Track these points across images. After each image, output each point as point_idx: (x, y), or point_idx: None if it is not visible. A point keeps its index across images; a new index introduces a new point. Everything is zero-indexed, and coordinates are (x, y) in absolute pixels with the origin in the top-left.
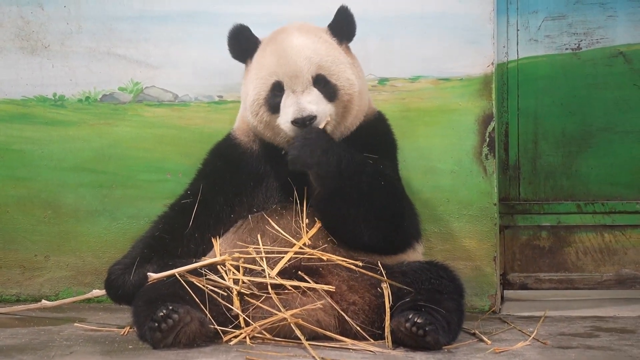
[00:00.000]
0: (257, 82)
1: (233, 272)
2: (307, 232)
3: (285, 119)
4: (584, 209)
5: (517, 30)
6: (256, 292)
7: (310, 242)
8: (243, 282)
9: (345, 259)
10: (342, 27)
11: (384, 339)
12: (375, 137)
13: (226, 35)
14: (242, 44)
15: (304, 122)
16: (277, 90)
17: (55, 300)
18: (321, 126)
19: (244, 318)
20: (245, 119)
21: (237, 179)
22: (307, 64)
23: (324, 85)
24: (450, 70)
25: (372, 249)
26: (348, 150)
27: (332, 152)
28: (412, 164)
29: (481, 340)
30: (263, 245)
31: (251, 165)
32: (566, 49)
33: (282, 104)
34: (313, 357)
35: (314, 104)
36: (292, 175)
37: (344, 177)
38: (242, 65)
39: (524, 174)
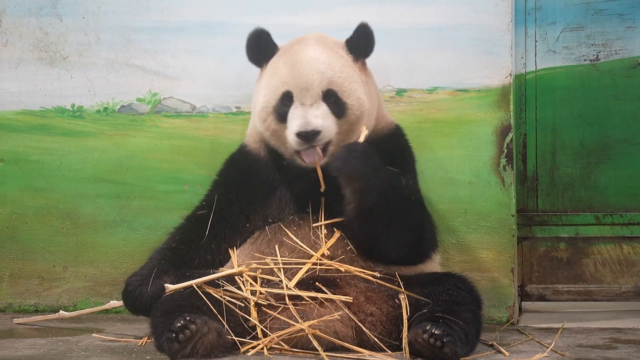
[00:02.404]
0: (268, 90)
1: (250, 283)
2: (325, 242)
3: (290, 131)
4: (603, 221)
5: (535, 41)
6: (274, 303)
7: (329, 253)
8: (260, 293)
9: (363, 270)
10: (360, 43)
11: (402, 350)
12: (392, 150)
13: (244, 46)
14: (261, 48)
15: (307, 136)
16: (286, 100)
17: (74, 310)
18: (324, 141)
19: (261, 329)
20: (254, 124)
21: (250, 187)
22: (319, 78)
23: (333, 101)
24: (467, 81)
25: (394, 260)
26: (386, 168)
27: (380, 169)
28: (430, 175)
29: (499, 351)
30: (281, 256)
31: (261, 173)
32: (584, 60)
33: (289, 115)
34: None
35: (321, 118)
36: (306, 184)
37: (383, 195)
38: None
39: (542, 185)
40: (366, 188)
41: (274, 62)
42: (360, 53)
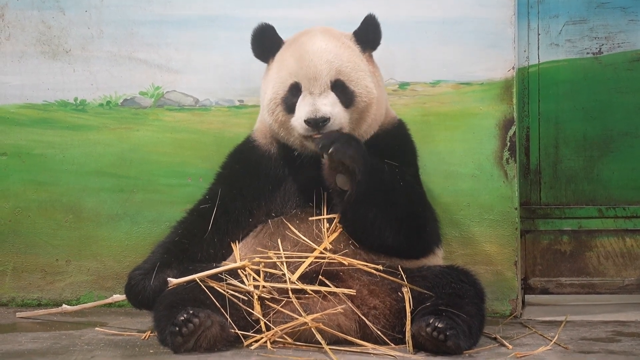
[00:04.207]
0: (276, 82)
1: (253, 277)
2: (328, 236)
3: (299, 116)
4: (605, 214)
5: (538, 34)
6: (277, 296)
7: (331, 247)
8: (264, 287)
9: (366, 264)
10: (368, 35)
11: (405, 344)
12: (394, 144)
13: (247, 39)
14: (266, 43)
15: (316, 123)
16: (294, 91)
17: (76, 304)
18: (334, 129)
19: (264, 322)
20: (263, 118)
21: (256, 182)
22: (326, 68)
23: (341, 90)
24: (471, 75)
25: (394, 252)
26: (369, 154)
27: (363, 152)
28: (433, 168)
29: (502, 344)
30: (284, 250)
31: (269, 168)
32: (587, 53)
33: (297, 104)
34: None
35: (329, 106)
36: (311, 178)
37: (372, 176)
38: (262, 70)
39: (545, 178)
40: (360, 173)
41: (281, 55)
42: (368, 44)
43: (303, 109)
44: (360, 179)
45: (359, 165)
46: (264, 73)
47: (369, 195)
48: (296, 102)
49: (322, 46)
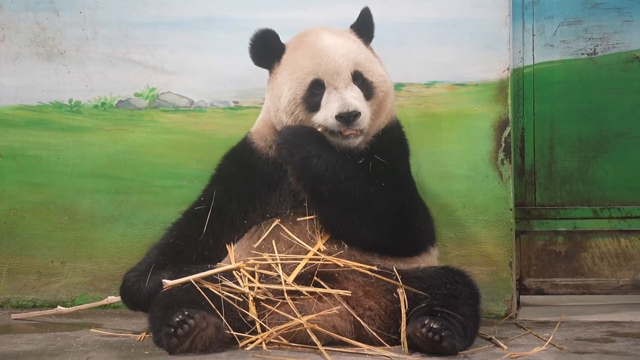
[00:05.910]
0: (293, 83)
1: (248, 279)
2: (321, 237)
3: (329, 114)
4: (600, 214)
5: (533, 35)
6: (272, 297)
7: (325, 248)
8: (259, 288)
9: (361, 265)
10: (365, 28)
11: (400, 345)
12: (391, 141)
13: (244, 41)
14: (270, 48)
15: (349, 117)
16: (315, 89)
17: (72, 306)
18: (363, 126)
19: (260, 324)
20: (267, 122)
21: (252, 184)
22: (345, 61)
23: (361, 82)
24: (466, 76)
25: (383, 250)
26: (339, 156)
27: (320, 157)
28: (428, 169)
29: (497, 345)
30: (278, 251)
31: (266, 171)
32: (582, 54)
33: (323, 101)
34: None
35: (359, 100)
36: None
37: (324, 182)
38: (259, 71)
39: (540, 179)
40: (297, 174)
41: (290, 58)
42: (367, 37)
43: (332, 104)
44: (299, 183)
45: (290, 165)
46: (268, 79)
47: (326, 196)
48: (318, 100)
49: (334, 41)
